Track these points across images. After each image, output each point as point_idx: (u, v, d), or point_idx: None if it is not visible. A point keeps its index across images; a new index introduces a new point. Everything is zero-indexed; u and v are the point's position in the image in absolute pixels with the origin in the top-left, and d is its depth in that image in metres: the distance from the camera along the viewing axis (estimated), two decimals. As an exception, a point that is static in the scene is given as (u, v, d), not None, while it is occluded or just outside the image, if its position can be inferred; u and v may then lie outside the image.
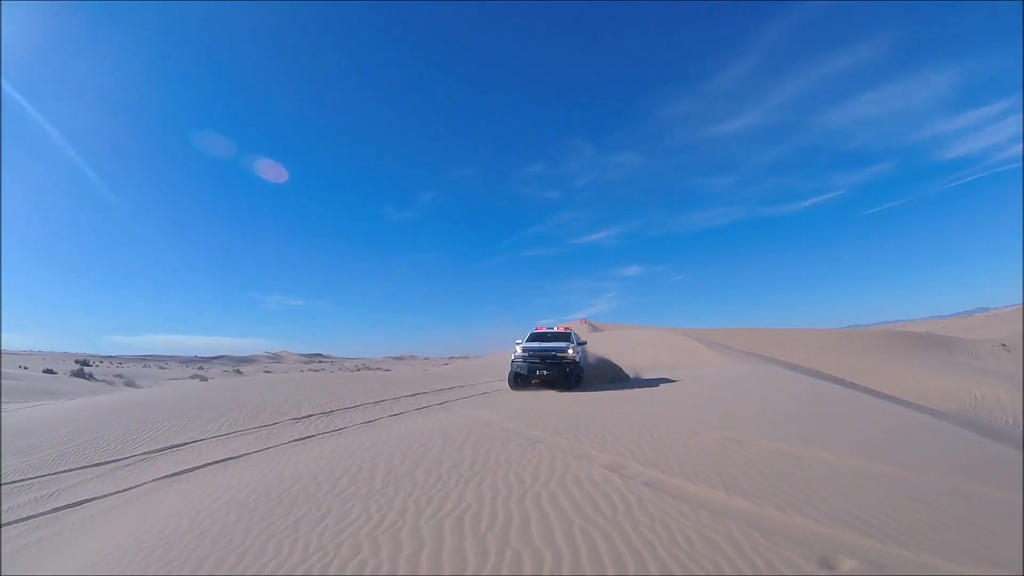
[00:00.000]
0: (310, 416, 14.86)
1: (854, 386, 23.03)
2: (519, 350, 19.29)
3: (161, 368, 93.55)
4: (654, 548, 4.30)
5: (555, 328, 21.79)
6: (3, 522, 8.28)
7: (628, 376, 23.21)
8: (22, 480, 10.12)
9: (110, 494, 9.19)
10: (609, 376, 22.58)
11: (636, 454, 7.43)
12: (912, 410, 14.96)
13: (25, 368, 56.45)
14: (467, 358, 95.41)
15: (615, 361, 24.19)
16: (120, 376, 58.00)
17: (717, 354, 32.61)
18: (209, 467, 10.20)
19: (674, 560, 4.08)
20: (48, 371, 53.20)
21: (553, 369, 18.39)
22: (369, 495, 6.44)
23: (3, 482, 10.01)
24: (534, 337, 20.64)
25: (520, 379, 19.04)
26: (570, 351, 18.55)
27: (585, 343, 21.22)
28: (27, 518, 8.40)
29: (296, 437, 12.31)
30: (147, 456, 11.51)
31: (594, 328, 65.45)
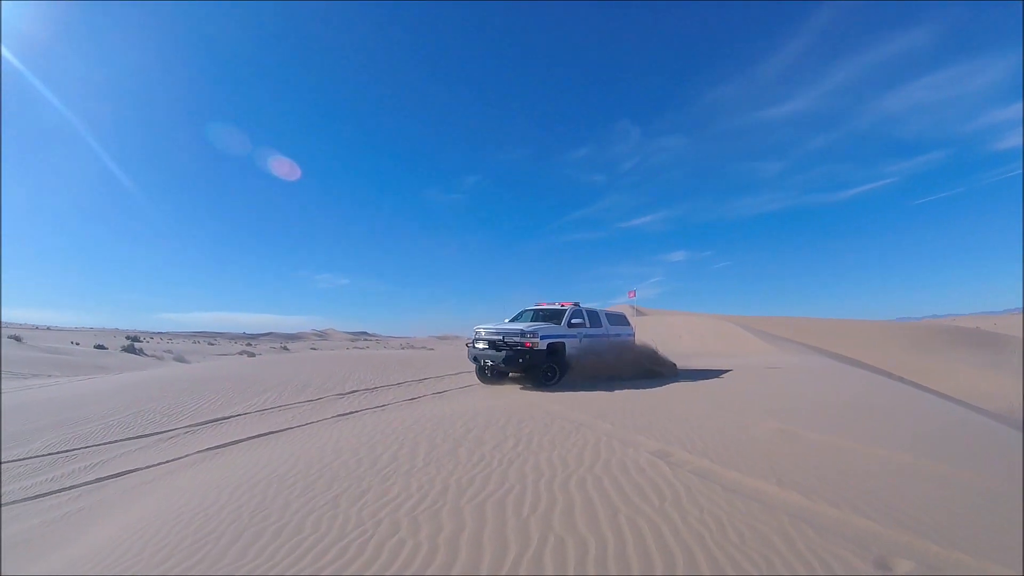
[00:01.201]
0: (354, 392, 15.03)
1: (901, 380, 22.36)
2: (483, 332, 16.01)
3: (210, 344, 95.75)
4: (704, 541, 4.12)
5: (556, 305, 17.25)
6: (48, 491, 8.45)
7: (673, 368, 18.55)
8: (68, 451, 10.32)
9: (153, 465, 9.31)
10: (646, 368, 17.20)
11: (684, 442, 7.22)
12: (966, 409, 14.50)
13: (77, 344, 58.14)
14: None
15: (661, 350, 21.59)
16: (170, 352, 59.38)
17: (764, 343, 32.08)
18: (251, 441, 10.33)
19: (725, 555, 3.90)
20: (99, 346, 54.61)
21: (509, 358, 14.73)
22: (410, 473, 6.39)
23: (50, 452, 10.20)
24: (525, 316, 17.36)
25: (479, 370, 16.46)
26: (534, 338, 14.65)
27: (600, 327, 17.25)
28: (71, 487, 8.56)
29: (339, 412, 12.42)
30: (191, 429, 11.66)
31: (639, 312, 64.77)
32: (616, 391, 13.10)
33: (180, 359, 49.84)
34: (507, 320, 17.52)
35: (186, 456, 9.67)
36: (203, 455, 9.67)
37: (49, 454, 10.11)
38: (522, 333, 14.91)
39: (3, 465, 9.52)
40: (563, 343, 15.62)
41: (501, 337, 15.32)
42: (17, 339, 48.39)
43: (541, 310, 17.33)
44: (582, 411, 9.88)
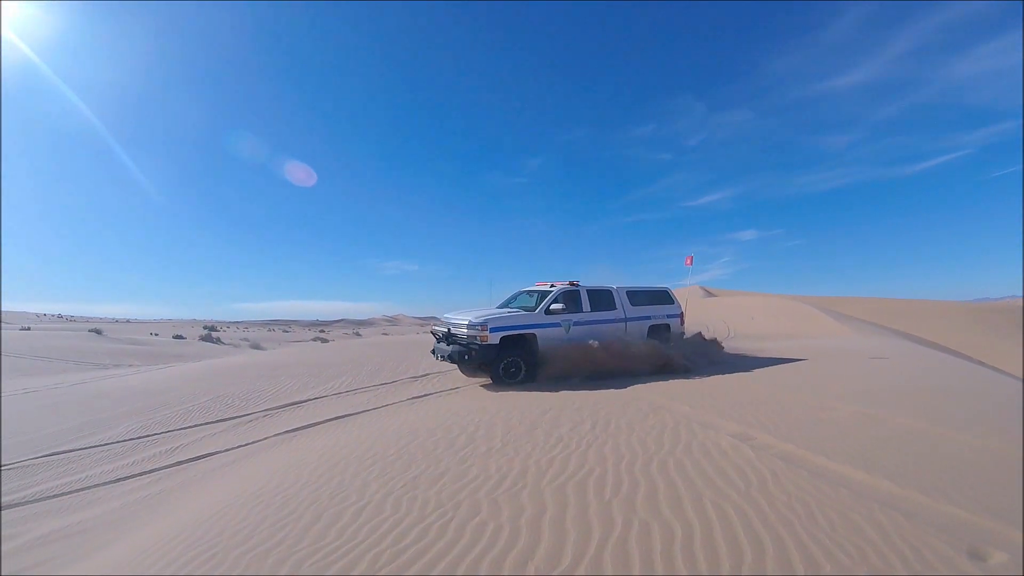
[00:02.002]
0: (427, 375, 15.00)
1: (982, 364, 21.42)
2: (441, 323, 14.36)
3: (285, 331, 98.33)
4: (793, 527, 3.95)
5: (546, 286, 15.03)
6: (129, 475, 8.67)
7: (721, 352, 17.03)
8: (149, 436, 10.61)
9: (232, 448, 9.51)
10: (685, 362, 14.11)
11: (766, 425, 7.01)
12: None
13: (156, 335, 60.24)
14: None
15: (729, 331, 20.31)
16: (246, 339, 61.19)
17: (838, 324, 31.16)
18: (328, 423, 10.50)
19: (815, 542, 3.72)
20: (178, 336, 56.53)
21: (455, 354, 12.91)
22: (488, 454, 6.36)
23: (131, 438, 10.48)
24: (522, 299, 15.30)
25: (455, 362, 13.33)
26: (483, 331, 12.65)
27: (611, 311, 14.93)
28: (152, 471, 8.79)
29: (414, 395, 12.50)
30: (268, 413, 11.87)
31: (708, 293, 63.72)
32: (691, 373, 12.92)
33: (256, 346, 51.21)
34: (496, 305, 15.44)
35: (264, 439, 9.86)
36: (281, 438, 9.84)
37: (130, 439, 10.40)
38: (469, 324, 12.90)
39: (88, 451, 9.83)
40: (531, 334, 13.39)
41: (447, 329, 13.65)
42: (98, 332, 50.29)
43: (535, 292, 15.07)
44: (657, 393, 9.77)
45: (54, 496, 7.98)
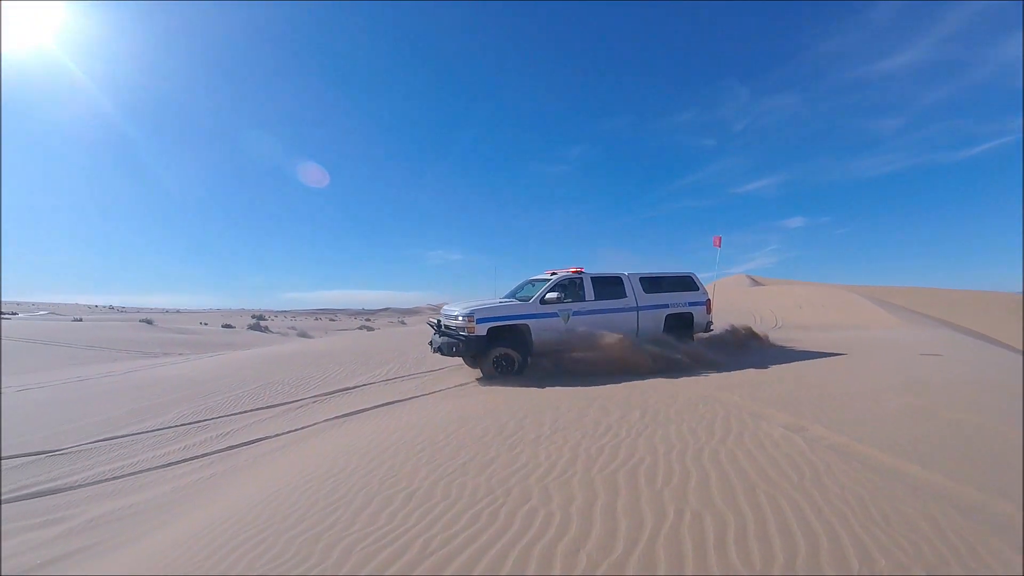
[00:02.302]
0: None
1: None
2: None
3: (331, 320, 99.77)
4: (847, 521, 3.85)
5: (551, 273, 14.29)
6: (180, 459, 8.87)
7: (761, 339, 16.77)
8: (200, 421, 10.82)
9: (282, 434, 9.66)
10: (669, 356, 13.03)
11: (817, 415, 6.87)
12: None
13: (205, 324, 61.42)
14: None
15: (778, 320, 19.28)
16: (293, 328, 62.22)
17: (889, 314, 30.44)
18: (376, 409, 10.61)
19: (870, 537, 3.63)
20: (227, 326, 57.62)
21: (445, 346, 12.76)
22: (537, 441, 6.35)
23: (182, 423, 10.70)
24: (528, 288, 14.53)
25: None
26: (470, 321, 12.35)
27: (621, 299, 14.08)
28: (203, 455, 8.96)
29: (461, 382, 12.53)
30: (317, 399, 12.04)
31: (755, 282, 62.76)
32: (739, 361, 12.94)
33: (303, 335, 52.02)
34: (503, 295, 14.99)
35: (314, 424, 10.02)
36: (330, 423, 9.99)
37: (181, 425, 10.63)
38: (458, 316, 12.67)
39: (139, 436, 10.06)
40: (524, 325, 12.89)
41: (438, 320, 13.73)
42: (149, 322, 51.52)
43: (540, 280, 14.24)
44: (708, 383, 9.68)
45: (106, 480, 8.19)
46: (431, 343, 13.65)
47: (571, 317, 13.27)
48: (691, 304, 15.00)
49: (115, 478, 8.22)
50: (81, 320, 58.87)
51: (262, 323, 64.42)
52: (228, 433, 10.04)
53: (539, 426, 7.07)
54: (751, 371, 11.21)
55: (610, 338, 12.86)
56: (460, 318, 12.59)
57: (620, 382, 10.21)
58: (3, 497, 7.62)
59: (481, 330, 12.42)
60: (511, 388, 10.68)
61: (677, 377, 10.51)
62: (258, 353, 20.91)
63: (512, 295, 14.62)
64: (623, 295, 14.16)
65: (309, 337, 46.27)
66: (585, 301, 13.62)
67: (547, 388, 10.24)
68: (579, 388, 9.92)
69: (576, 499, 4.44)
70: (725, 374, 10.81)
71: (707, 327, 15.46)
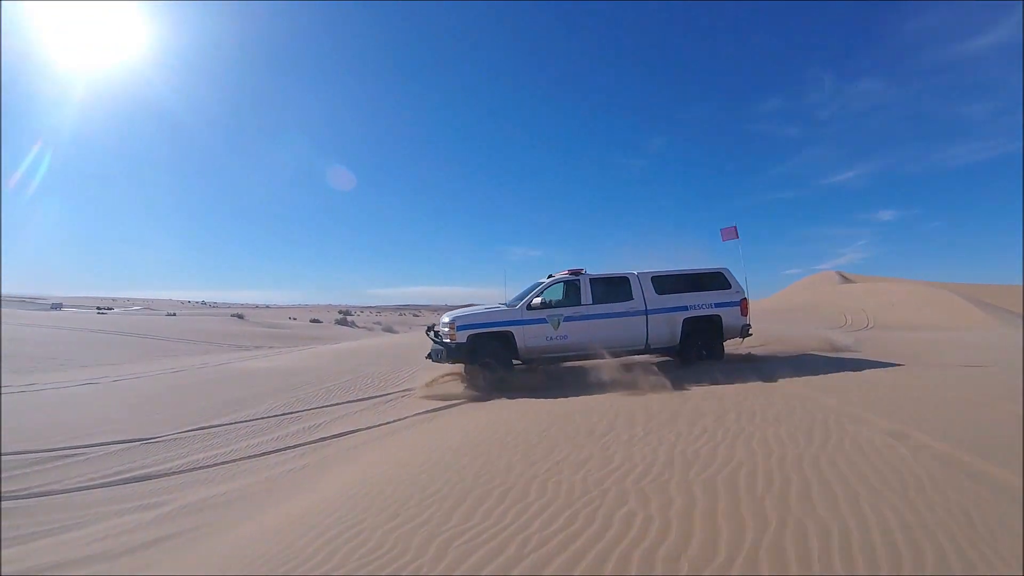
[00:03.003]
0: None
1: None
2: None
3: (415, 316, 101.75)
4: (953, 536, 3.64)
5: (549, 277, 13.56)
6: (274, 449, 9.13)
7: (842, 345, 15.70)
8: (291, 413, 11.13)
9: (372, 427, 9.86)
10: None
11: (918, 422, 6.53)
12: None
13: (294, 319, 63.20)
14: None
15: (869, 322, 18.25)
16: (379, 323, 63.75)
17: (985, 315, 29.18)
18: (467, 404, 10.80)
19: (977, 553, 3.41)
20: (314, 320, 59.26)
21: (433, 352, 12.68)
22: (630, 442, 6.28)
23: (275, 415, 11.01)
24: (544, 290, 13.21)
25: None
26: (451, 329, 12.24)
27: (626, 301, 13.04)
28: (295, 446, 9.24)
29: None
30: (407, 393, 12.23)
31: (845, 279, 60.79)
32: (833, 362, 12.57)
33: (389, 330, 53.13)
34: (512, 298, 13.83)
35: (404, 418, 10.23)
36: (421, 417, 10.18)
37: (274, 416, 10.96)
38: (445, 322, 12.57)
39: (233, 426, 10.41)
40: (506, 332, 12.43)
41: (432, 325, 13.55)
42: (240, 317, 53.48)
43: (551, 282, 13.29)
44: (804, 385, 9.46)
45: (200, 468, 8.49)
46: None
47: (562, 323, 12.65)
48: (718, 305, 13.45)
49: (209, 466, 8.53)
50: (175, 315, 61.30)
51: (348, 318, 65.98)
52: (319, 425, 10.29)
53: (631, 427, 6.99)
54: (848, 373, 10.86)
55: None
56: (445, 325, 12.49)
57: (716, 384, 10.03)
58: (102, 481, 7.99)
59: (462, 337, 12.21)
60: (599, 388, 10.60)
61: (773, 380, 10.27)
62: (346, 347, 21.41)
63: (520, 298, 13.40)
64: (628, 297, 13.12)
65: (394, 332, 47.11)
66: (580, 305, 12.88)
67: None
68: (673, 392, 9.78)
69: (674, 503, 4.37)
70: (822, 376, 10.52)
71: (743, 332, 13.72)
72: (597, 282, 13.15)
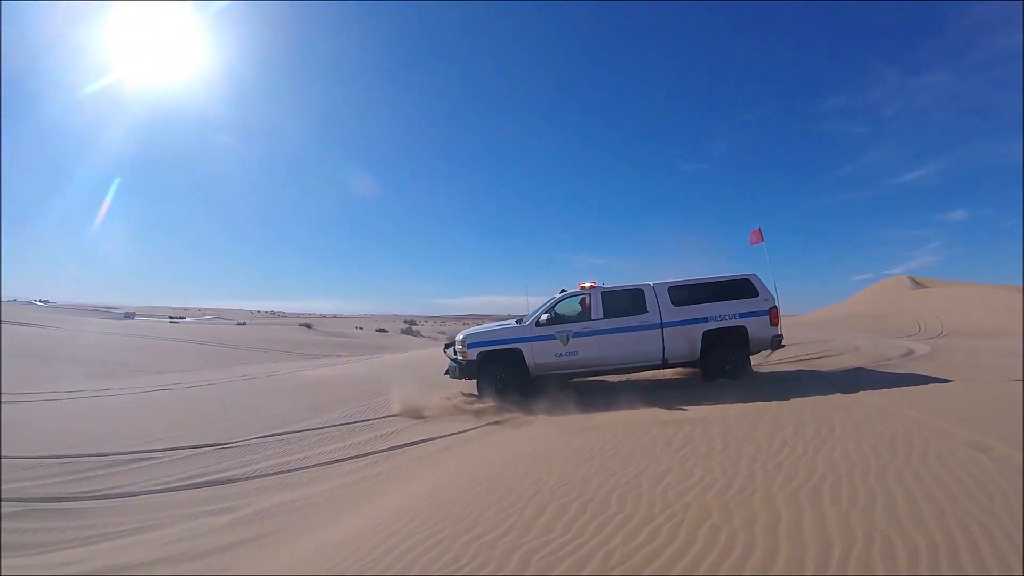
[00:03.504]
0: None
1: None
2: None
3: (478, 324, 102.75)
4: (1044, 553, 3.62)
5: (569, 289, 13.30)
6: (347, 456, 9.32)
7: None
8: (363, 420, 11.34)
9: (446, 436, 9.95)
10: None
11: (1001, 434, 6.27)
12: None
13: (360, 328, 64.19)
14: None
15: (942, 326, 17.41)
16: (443, 332, 64.52)
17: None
18: (539, 416, 10.71)
19: None
20: (380, 330, 60.27)
21: (449, 369, 13.02)
22: (709, 456, 6.23)
23: (347, 422, 11.29)
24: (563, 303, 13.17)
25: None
26: (461, 346, 12.61)
27: (640, 314, 12.59)
28: (369, 453, 9.37)
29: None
30: (475, 402, 12.24)
31: (917, 284, 58.96)
32: (914, 372, 12.27)
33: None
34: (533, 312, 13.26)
35: (476, 428, 10.33)
36: (493, 427, 10.27)
37: (346, 423, 11.17)
38: (459, 340, 12.74)
39: (306, 432, 10.67)
40: (515, 350, 12.43)
41: (451, 342, 13.55)
42: (308, 326, 54.63)
43: (575, 295, 13.13)
44: (884, 395, 9.31)
45: (275, 473, 8.67)
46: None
47: (571, 339, 12.43)
48: (743, 315, 12.59)
49: (283, 472, 8.71)
50: (245, 324, 62.85)
51: (413, 327, 66.92)
52: (391, 433, 10.42)
53: (709, 439, 6.94)
54: (926, 384, 10.59)
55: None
56: (459, 343, 12.68)
57: (788, 397, 9.87)
58: (175, 484, 8.27)
59: (472, 355, 12.36)
60: (671, 398, 10.54)
61: (853, 392, 10.02)
62: (415, 356, 21.63)
63: (534, 314, 13.06)
64: (642, 310, 12.64)
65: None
66: (591, 320, 12.61)
67: (708, 397, 10.11)
68: (743, 396, 9.83)
69: (759, 518, 4.33)
70: (900, 388, 10.25)
71: (774, 343, 12.83)
72: (609, 295, 12.88)
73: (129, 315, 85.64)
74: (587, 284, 13.12)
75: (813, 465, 5.57)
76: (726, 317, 12.49)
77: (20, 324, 43.22)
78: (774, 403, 9.24)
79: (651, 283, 12.92)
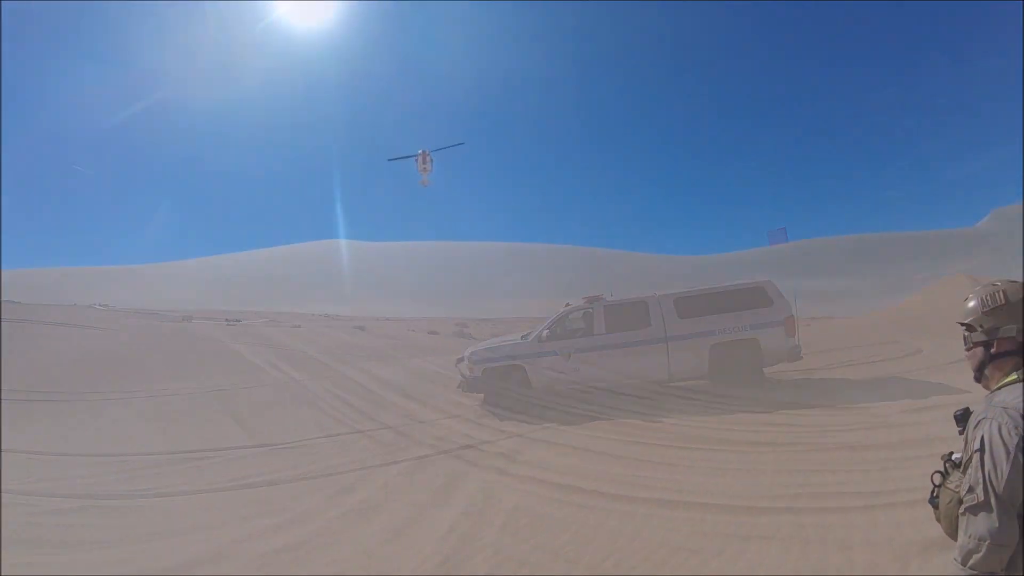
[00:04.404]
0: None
1: None
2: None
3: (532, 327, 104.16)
4: None
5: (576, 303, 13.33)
6: (404, 458, 9.26)
7: None
8: (421, 421, 11.48)
9: (510, 436, 10.21)
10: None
11: None
12: None
13: (413, 331, 64.86)
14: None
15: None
16: (495, 335, 64.66)
17: None
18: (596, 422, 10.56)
19: None
20: (432, 332, 60.54)
21: (461, 383, 13.01)
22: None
23: (397, 425, 11.32)
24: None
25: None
26: (464, 363, 12.72)
27: (644, 327, 12.05)
28: (420, 457, 9.40)
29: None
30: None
31: (977, 283, 57.41)
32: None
33: (503, 341, 54.21)
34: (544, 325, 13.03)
35: (545, 426, 10.36)
36: (555, 428, 10.24)
37: (401, 424, 11.60)
38: (465, 356, 12.77)
39: (355, 436, 10.78)
40: (518, 366, 12.28)
41: (462, 356, 13.33)
42: (361, 328, 55.00)
43: (574, 310, 13.00)
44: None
45: (328, 475, 8.62)
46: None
47: (573, 355, 12.12)
48: (754, 327, 11.77)
49: (335, 474, 8.64)
50: (300, 327, 63.48)
51: (465, 330, 66.90)
52: (442, 438, 10.28)
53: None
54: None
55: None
56: (465, 358, 12.67)
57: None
58: (226, 484, 8.28)
59: (477, 371, 12.27)
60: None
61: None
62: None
63: (544, 326, 12.87)
64: (646, 324, 12.07)
65: (511, 344, 48.04)
66: (594, 336, 12.25)
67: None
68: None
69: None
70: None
71: (792, 354, 11.93)
72: (612, 309, 12.53)
73: (186, 318, 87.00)
74: (593, 297, 13.01)
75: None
76: (735, 328, 11.79)
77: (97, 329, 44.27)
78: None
79: (656, 294, 12.52)
